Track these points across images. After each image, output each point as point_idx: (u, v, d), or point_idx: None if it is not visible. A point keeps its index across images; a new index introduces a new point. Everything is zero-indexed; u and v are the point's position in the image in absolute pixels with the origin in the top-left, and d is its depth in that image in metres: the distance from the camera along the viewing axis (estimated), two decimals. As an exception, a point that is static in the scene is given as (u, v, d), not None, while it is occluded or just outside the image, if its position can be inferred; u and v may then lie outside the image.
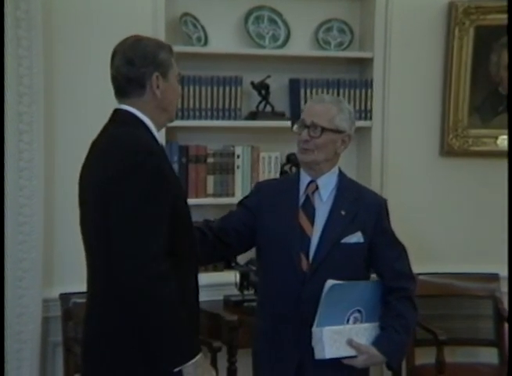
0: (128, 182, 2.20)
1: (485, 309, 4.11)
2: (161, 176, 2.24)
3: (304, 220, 2.75)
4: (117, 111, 2.38)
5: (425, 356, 3.85)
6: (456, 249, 4.20)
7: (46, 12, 3.49)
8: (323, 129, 2.72)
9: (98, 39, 3.51)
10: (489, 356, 4.09)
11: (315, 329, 2.65)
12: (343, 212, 2.75)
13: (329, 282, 2.63)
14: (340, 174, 2.83)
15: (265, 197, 2.85)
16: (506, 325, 3.99)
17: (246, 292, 3.77)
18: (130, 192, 2.20)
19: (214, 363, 3.56)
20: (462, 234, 4.23)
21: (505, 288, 4.00)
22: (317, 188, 2.78)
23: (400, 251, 2.83)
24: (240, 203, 2.93)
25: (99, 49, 3.43)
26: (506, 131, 4.08)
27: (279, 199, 2.80)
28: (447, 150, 4.20)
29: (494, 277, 4.11)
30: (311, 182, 2.79)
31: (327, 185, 2.79)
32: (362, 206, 2.78)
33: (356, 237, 2.75)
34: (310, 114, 2.76)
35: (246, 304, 3.74)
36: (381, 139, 4.07)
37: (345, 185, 2.82)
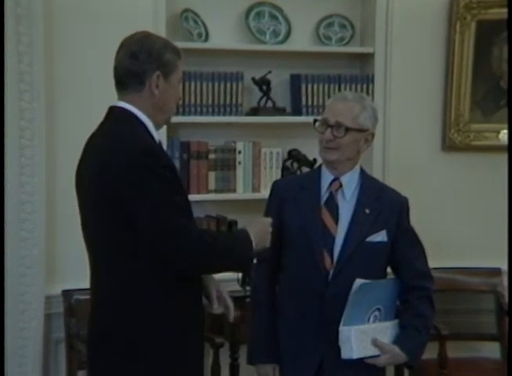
0: (134, 182, 2.19)
1: (487, 303, 4.11)
2: (159, 173, 2.21)
3: (327, 217, 2.72)
4: (112, 108, 2.35)
5: (427, 351, 3.79)
6: (458, 244, 4.20)
7: (47, 8, 3.49)
8: (347, 129, 2.68)
9: (99, 35, 3.50)
10: (491, 350, 4.09)
11: (342, 328, 2.60)
12: (367, 211, 2.72)
13: (358, 281, 2.59)
14: (362, 172, 2.80)
15: (285, 193, 2.80)
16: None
17: (248, 288, 3.76)
18: (142, 189, 2.19)
19: (216, 359, 3.57)
20: (464, 229, 4.23)
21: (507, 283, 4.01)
22: (341, 186, 2.75)
23: (419, 250, 2.81)
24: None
25: (100, 45, 3.44)
26: (507, 126, 4.07)
27: (300, 195, 2.76)
28: (449, 145, 4.19)
29: (496, 272, 4.11)
30: (334, 179, 2.75)
31: (350, 183, 2.75)
32: (384, 204, 2.75)
33: (381, 236, 2.72)
34: (333, 113, 2.70)
35: (248, 300, 3.72)
36: (383, 134, 4.06)
37: (367, 183, 2.79)
